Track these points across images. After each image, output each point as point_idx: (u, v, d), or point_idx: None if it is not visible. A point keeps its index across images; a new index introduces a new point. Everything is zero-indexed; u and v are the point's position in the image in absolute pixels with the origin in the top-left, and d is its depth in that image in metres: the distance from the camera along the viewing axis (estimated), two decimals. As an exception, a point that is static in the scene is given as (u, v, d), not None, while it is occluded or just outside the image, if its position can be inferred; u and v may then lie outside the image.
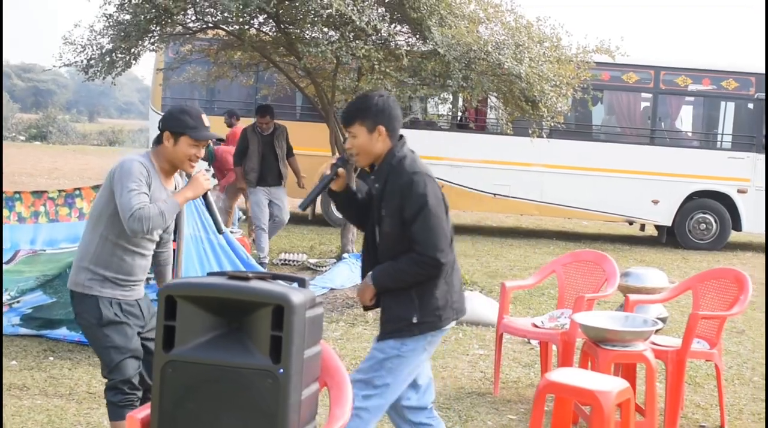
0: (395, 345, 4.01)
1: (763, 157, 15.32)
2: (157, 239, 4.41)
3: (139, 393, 4.26)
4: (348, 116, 4.12)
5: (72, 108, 68.97)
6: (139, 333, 4.34)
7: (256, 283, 2.99)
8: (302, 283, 3.16)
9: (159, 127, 4.27)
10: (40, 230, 7.04)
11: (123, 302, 4.27)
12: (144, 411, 3.09)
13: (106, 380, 4.26)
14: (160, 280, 4.66)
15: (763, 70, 15.56)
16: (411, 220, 3.92)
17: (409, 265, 3.93)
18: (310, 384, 3.08)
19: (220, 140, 4.42)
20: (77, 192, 7.14)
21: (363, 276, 4.20)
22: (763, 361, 7.60)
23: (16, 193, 7.21)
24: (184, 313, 2.96)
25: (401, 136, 4.16)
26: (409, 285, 3.98)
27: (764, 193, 14.93)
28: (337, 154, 10.99)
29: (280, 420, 2.89)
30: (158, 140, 4.29)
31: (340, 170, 4.19)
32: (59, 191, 7.24)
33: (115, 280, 4.24)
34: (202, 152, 4.27)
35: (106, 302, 4.22)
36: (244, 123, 13.06)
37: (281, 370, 2.89)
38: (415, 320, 3.98)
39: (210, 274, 3.21)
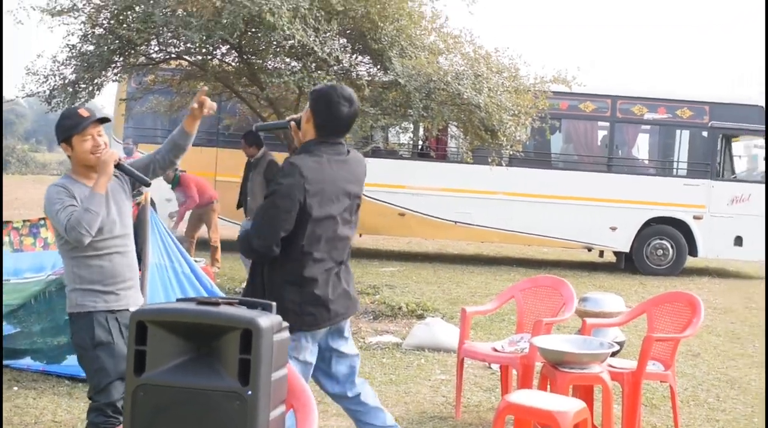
0: None
1: (717, 183, 15.69)
2: (124, 232, 4.41)
3: (122, 418, 4.29)
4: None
5: (31, 137, 68.34)
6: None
7: (224, 308, 3.09)
8: (268, 308, 3.26)
9: (59, 145, 4.42)
10: (4, 260, 7.06)
11: (119, 315, 4.31)
12: (115, 435, 3.17)
13: (90, 400, 4.31)
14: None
15: (716, 99, 15.98)
16: (264, 198, 4.22)
17: (242, 232, 4.29)
18: (277, 405, 3.17)
19: (106, 119, 4.49)
20: (42, 222, 7.17)
21: None
22: (717, 384, 7.79)
23: (41, 219, 7.19)
24: (155, 338, 3.05)
25: (329, 140, 4.23)
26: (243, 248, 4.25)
27: (764, 220, 15.22)
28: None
29: (248, 440, 2.98)
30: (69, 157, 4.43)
31: (292, 124, 4.30)
32: (24, 221, 7.27)
33: (104, 290, 4.30)
34: (101, 139, 4.34)
35: (101, 319, 4.28)
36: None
37: (249, 392, 2.98)
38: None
39: (179, 300, 3.30)
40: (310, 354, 4.30)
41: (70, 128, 4.32)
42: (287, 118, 4.40)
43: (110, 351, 4.27)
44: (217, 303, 3.12)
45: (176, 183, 12.91)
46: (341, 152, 4.26)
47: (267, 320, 3.07)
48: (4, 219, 8.89)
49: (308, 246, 4.12)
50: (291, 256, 4.14)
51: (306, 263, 4.14)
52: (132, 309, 4.36)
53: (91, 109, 4.42)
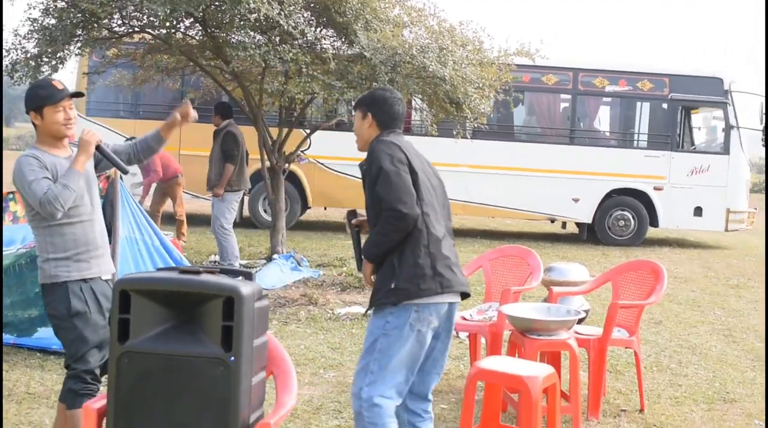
0: (379, 324, 4.13)
1: (677, 154, 15.93)
2: (92, 202, 4.45)
3: (100, 385, 4.35)
4: (355, 103, 4.58)
5: (-12, 113, 67.48)
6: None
7: (206, 277, 3.16)
8: (249, 277, 3.34)
9: (26, 113, 4.44)
10: None
11: (93, 283, 4.37)
12: (100, 401, 3.23)
13: (67, 369, 4.35)
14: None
15: (676, 72, 16.18)
16: (373, 184, 4.12)
17: (379, 226, 4.10)
18: (258, 371, 3.26)
19: (79, 94, 4.55)
20: (11, 195, 7.14)
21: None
22: (679, 350, 7.97)
23: (10, 193, 7.14)
24: (138, 306, 3.11)
25: (396, 131, 4.41)
26: (387, 245, 4.11)
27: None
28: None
29: (231, 405, 3.07)
30: (34, 126, 4.47)
31: (354, 221, 4.57)
32: None
33: (77, 257, 4.34)
34: (71, 112, 4.40)
35: (76, 289, 4.31)
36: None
37: (232, 358, 3.06)
38: (392, 285, 4.08)
39: (160, 269, 3.36)
40: (430, 329, 4.21)
41: (44, 98, 4.34)
42: (351, 230, 4.59)
43: (86, 320, 4.31)
44: (198, 272, 3.19)
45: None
46: (403, 137, 4.44)
47: (248, 287, 3.14)
48: None
49: (424, 207, 4.18)
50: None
51: (429, 224, 4.18)
52: (104, 276, 4.46)
53: (63, 83, 4.45)
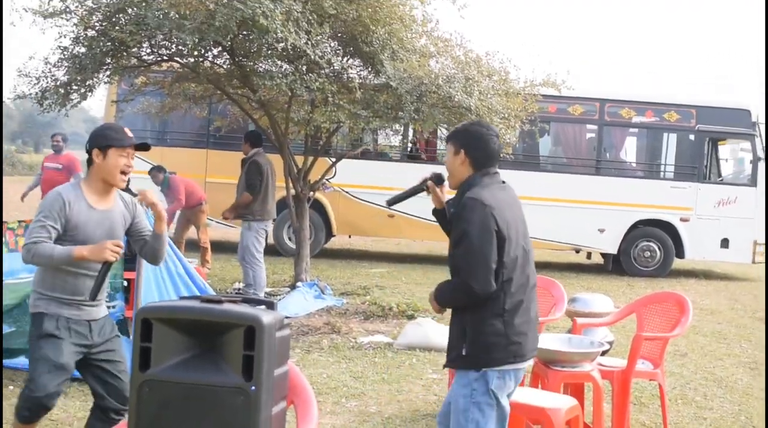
0: (465, 392, 3.97)
1: (703, 186, 15.85)
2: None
3: (53, 402, 4.47)
4: (448, 134, 4.36)
5: (17, 139, 68.19)
6: (88, 355, 4.53)
7: (228, 306, 3.17)
8: (271, 306, 3.34)
9: (86, 149, 4.53)
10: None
11: (71, 320, 4.46)
12: (121, 429, 3.24)
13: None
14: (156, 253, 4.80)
15: (703, 103, 16.13)
16: (455, 245, 3.98)
17: (449, 287, 4.03)
18: (279, 401, 3.25)
19: (145, 146, 4.63)
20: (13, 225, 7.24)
21: None
22: (705, 383, 7.89)
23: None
24: (160, 335, 3.12)
25: (489, 172, 4.17)
26: (452, 305, 4.08)
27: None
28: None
29: (251, 434, 3.06)
30: (89, 162, 4.54)
31: (429, 183, 4.41)
32: (19, 221, 7.30)
33: (60, 300, 4.46)
34: (131, 164, 4.50)
35: (51, 318, 4.44)
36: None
37: (253, 387, 3.06)
38: (463, 351, 3.95)
39: (182, 298, 3.38)
40: (506, 397, 4.08)
41: (113, 139, 4.47)
42: (421, 180, 4.45)
43: (53, 342, 4.42)
44: (220, 301, 3.20)
45: (166, 185, 12.97)
46: (500, 181, 4.22)
47: (270, 317, 3.14)
48: (-2, 220, 8.91)
49: (507, 273, 3.97)
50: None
51: (507, 292, 3.96)
52: (89, 318, 4.55)
53: (131, 135, 4.57)
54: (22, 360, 7.07)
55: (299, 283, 11.05)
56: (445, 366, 4.21)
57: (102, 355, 4.55)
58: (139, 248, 4.78)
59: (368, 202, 15.86)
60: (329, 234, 16.38)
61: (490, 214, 3.93)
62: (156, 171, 12.99)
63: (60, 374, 4.43)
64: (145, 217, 4.78)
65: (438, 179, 4.45)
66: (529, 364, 4.20)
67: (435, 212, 4.52)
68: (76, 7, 9.90)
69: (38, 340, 4.44)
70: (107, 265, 4.39)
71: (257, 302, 3.38)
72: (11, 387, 6.58)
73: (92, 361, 4.58)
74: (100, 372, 4.58)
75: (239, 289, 11.25)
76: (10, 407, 6.09)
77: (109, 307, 6.95)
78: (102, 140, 4.47)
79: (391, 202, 4.58)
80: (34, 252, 4.29)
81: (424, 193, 4.52)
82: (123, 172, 4.49)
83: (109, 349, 4.60)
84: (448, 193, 4.45)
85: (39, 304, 4.48)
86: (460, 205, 4.02)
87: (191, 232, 13.58)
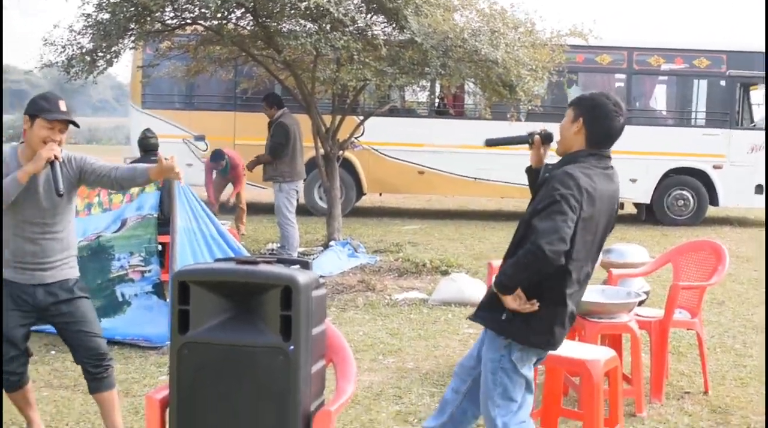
0: (494, 356, 3.91)
1: (736, 132, 15.65)
2: (45, 221, 4.49)
3: (13, 377, 4.60)
4: (573, 99, 4.02)
5: (46, 108, 68.58)
6: (48, 319, 4.61)
7: (264, 267, 3.17)
8: (306, 266, 3.34)
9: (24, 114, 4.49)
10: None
11: (14, 285, 4.50)
12: (162, 392, 3.26)
13: None
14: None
15: (733, 48, 15.86)
16: (538, 211, 3.68)
17: (518, 257, 3.69)
18: (318, 360, 3.26)
19: (73, 124, 4.51)
20: None
21: None
22: (743, 330, 7.84)
23: None
24: (197, 297, 3.13)
25: (602, 152, 3.95)
26: (519, 279, 3.71)
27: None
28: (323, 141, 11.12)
29: (292, 394, 3.08)
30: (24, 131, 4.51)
31: (537, 137, 4.12)
32: None
33: (9, 263, 4.50)
34: (60, 137, 4.40)
35: (5, 287, 4.51)
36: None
37: (291, 347, 3.07)
38: (503, 317, 3.80)
39: (218, 260, 3.38)
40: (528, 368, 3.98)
41: (41, 109, 4.38)
42: (528, 133, 4.13)
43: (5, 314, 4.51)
44: (256, 262, 3.20)
45: (227, 170, 12.89)
46: (608, 166, 3.98)
47: (305, 277, 3.15)
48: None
49: (572, 261, 3.76)
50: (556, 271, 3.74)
51: (567, 278, 3.80)
52: (45, 282, 4.54)
53: (69, 107, 4.47)
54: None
55: (332, 242, 11.07)
56: (472, 318, 4.02)
57: (59, 318, 4.58)
58: (113, 181, 4.65)
59: (398, 159, 15.82)
60: (360, 192, 16.37)
61: (579, 198, 3.68)
62: (217, 159, 12.87)
63: (5, 347, 4.51)
64: (92, 160, 4.63)
65: (547, 137, 4.15)
66: (553, 351, 4.10)
67: (529, 170, 4.25)
68: (99, -28, 9.89)
69: None
70: (53, 164, 4.32)
71: (292, 262, 3.38)
72: (53, 352, 6.66)
73: (55, 324, 4.64)
74: (64, 333, 4.64)
75: (273, 250, 11.28)
76: (53, 371, 6.19)
77: (144, 272, 7.06)
78: (31, 107, 4.40)
79: (491, 143, 4.30)
80: None
81: (526, 147, 4.20)
82: (45, 142, 4.36)
83: (65, 311, 4.57)
84: (551, 152, 4.15)
85: (4, 268, 4.55)
86: (554, 175, 3.77)
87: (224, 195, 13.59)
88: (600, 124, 3.87)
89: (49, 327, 7.07)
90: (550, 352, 4.38)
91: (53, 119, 4.36)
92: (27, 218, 4.43)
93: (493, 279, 3.85)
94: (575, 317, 4.03)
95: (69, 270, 4.64)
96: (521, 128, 13.02)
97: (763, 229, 15.65)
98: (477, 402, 4.13)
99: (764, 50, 15.28)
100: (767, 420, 5.41)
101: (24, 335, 4.59)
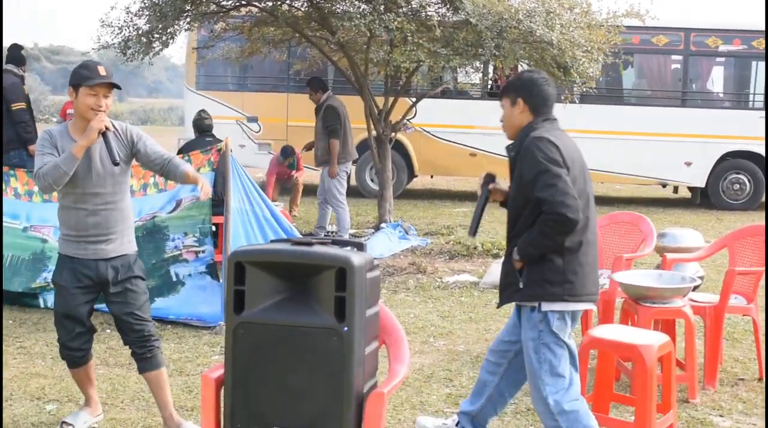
0: (533, 335, 4.08)
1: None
2: (104, 191, 4.53)
3: (78, 353, 4.70)
4: (500, 91, 4.37)
5: (101, 89, 69.47)
6: (106, 293, 4.66)
7: (319, 248, 3.20)
8: (360, 247, 3.36)
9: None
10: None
11: (77, 262, 4.57)
12: (218, 371, 3.31)
13: None
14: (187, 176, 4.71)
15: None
16: (532, 184, 3.97)
17: (540, 227, 3.95)
18: (371, 341, 3.29)
19: (115, 86, 4.53)
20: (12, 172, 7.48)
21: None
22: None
23: None
24: (252, 278, 3.17)
25: (549, 117, 4.24)
26: (547, 249, 3.99)
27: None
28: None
29: (345, 374, 3.11)
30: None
31: (491, 186, 4.44)
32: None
33: (68, 237, 4.59)
34: (105, 102, 4.43)
35: (61, 262, 4.64)
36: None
37: (345, 328, 3.10)
38: (521, 285, 4.07)
39: (273, 241, 3.41)
40: (569, 337, 4.15)
41: (83, 77, 4.43)
42: (481, 192, 4.50)
43: (60, 294, 4.63)
44: (310, 244, 3.23)
45: (294, 165, 13.19)
46: (560, 127, 4.26)
47: (360, 258, 3.17)
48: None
49: (585, 211, 4.07)
50: None
51: (581, 246, 4.08)
52: (107, 256, 4.60)
53: (109, 72, 4.50)
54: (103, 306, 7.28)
55: (383, 224, 11.10)
56: (501, 303, 4.28)
57: (114, 297, 4.64)
58: (159, 170, 4.72)
59: (450, 141, 15.78)
60: (411, 174, 16.36)
61: (556, 149, 4.01)
62: (287, 155, 13.12)
63: (70, 324, 4.61)
64: (148, 141, 4.68)
65: (492, 179, 4.53)
66: (586, 307, 4.21)
67: (504, 204, 4.47)
68: (155, -45, 9.97)
69: (55, 287, 4.72)
70: (105, 134, 4.38)
71: (347, 244, 3.40)
72: (108, 331, 6.76)
73: (109, 302, 4.71)
74: (115, 314, 4.72)
75: (329, 232, 11.34)
76: (108, 350, 6.31)
77: (198, 252, 7.13)
78: (74, 78, 4.46)
79: (473, 231, 4.55)
80: (43, 174, 4.33)
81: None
82: (93, 109, 4.41)
83: (121, 291, 4.63)
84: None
85: (60, 244, 4.65)
86: (526, 146, 4.05)
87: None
88: (537, 94, 4.21)
89: (104, 306, 7.24)
90: (603, 336, 4.38)
91: (94, 84, 4.41)
92: (87, 189, 4.49)
93: (514, 253, 4.11)
94: (595, 266, 4.22)
95: (128, 244, 4.71)
96: (574, 110, 12.94)
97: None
98: (515, 384, 4.30)
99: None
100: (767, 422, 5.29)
101: (88, 311, 4.68)
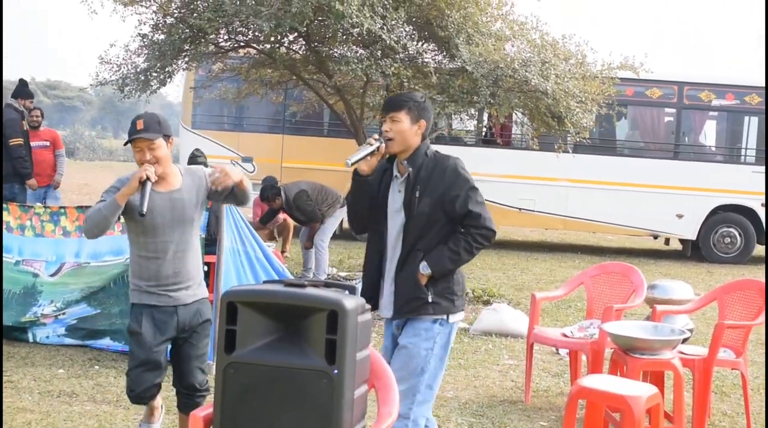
0: (427, 345, 4.29)
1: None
2: (175, 240, 4.53)
3: (149, 394, 4.65)
4: (397, 103, 4.33)
5: (97, 124, 69.60)
6: (177, 339, 4.62)
7: (311, 290, 3.20)
8: (352, 291, 3.37)
9: None
10: (84, 243, 7.29)
11: (156, 311, 4.53)
12: (206, 410, 3.30)
13: None
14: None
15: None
16: (463, 199, 4.22)
17: (468, 242, 4.23)
18: (360, 384, 3.28)
19: (148, 139, 4.47)
20: (62, 210, 7.49)
21: (375, 274, 4.52)
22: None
23: (61, 207, 7.48)
24: (245, 318, 3.17)
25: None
26: (465, 262, 4.27)
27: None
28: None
29: (335, 417, 3.10)
30: None
31: (382, 146, 4.33)
32: (45, 208, 7.58)
33: (141, 288, 4.56)
34: (150, 154, 4.40)
35: (137, 311, 4.56)
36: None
37: (336, 371, 3.09)
38: (429, 299, 4.27)
39: (266, 282, 3.42)
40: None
41: (129, 134, 4.49)
42: (374, 142, 4.36)
43: (137, 340, 4.55)
44: (303, 285, 3.24)
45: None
46: None
47: (352, 301, 3.17)
48: (73, 204, 9.13)
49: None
50: None
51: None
52: (183, 303, 4.59)
53: (147, 123, 4.46)
54: (107, 342, 7.28)
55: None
56: (401, 317, 4.46)
57: (185, 341, 4.63)
58: (225, 199, 4.75)
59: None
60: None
61: None
62: (266, 199, 13.18)
63: (148, 369, 4.54)
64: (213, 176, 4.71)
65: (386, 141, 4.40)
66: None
67: (359, 176, 4.41)
68: (156, -6, 10.08)
69: (128, 335, 4.63)
70: (145, 184, 4.33)
71: (340, 286, 3.41)
72: (96, 367, 6.74)
73: (178, 345, 4.67)
74: (178, 355, 4.69)
75: (332, 274, 11.38)
76: (96, 386, 6.27)
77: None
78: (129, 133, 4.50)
79: (354, 163, 4.39)
80: (87, 216, 4.37)
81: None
82: (140, 164, 4.42)
83: (194, 335, 4.64)
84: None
85: (132, 295, 4.60)
86: (450, 165, 4.25)
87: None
88: (430, 120, 4.37)
89: (93, 343, 7.25)
90: (592, 386, 4.41)
91: (134, 140, 4.43)
92: (157, 238, 4.48)
93: (422, 267, 4.24)
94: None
95: (201, 288, 4.73)
96: (568, 160, 13.07)
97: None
98: None
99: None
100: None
101: (165, 356, 4.66)
